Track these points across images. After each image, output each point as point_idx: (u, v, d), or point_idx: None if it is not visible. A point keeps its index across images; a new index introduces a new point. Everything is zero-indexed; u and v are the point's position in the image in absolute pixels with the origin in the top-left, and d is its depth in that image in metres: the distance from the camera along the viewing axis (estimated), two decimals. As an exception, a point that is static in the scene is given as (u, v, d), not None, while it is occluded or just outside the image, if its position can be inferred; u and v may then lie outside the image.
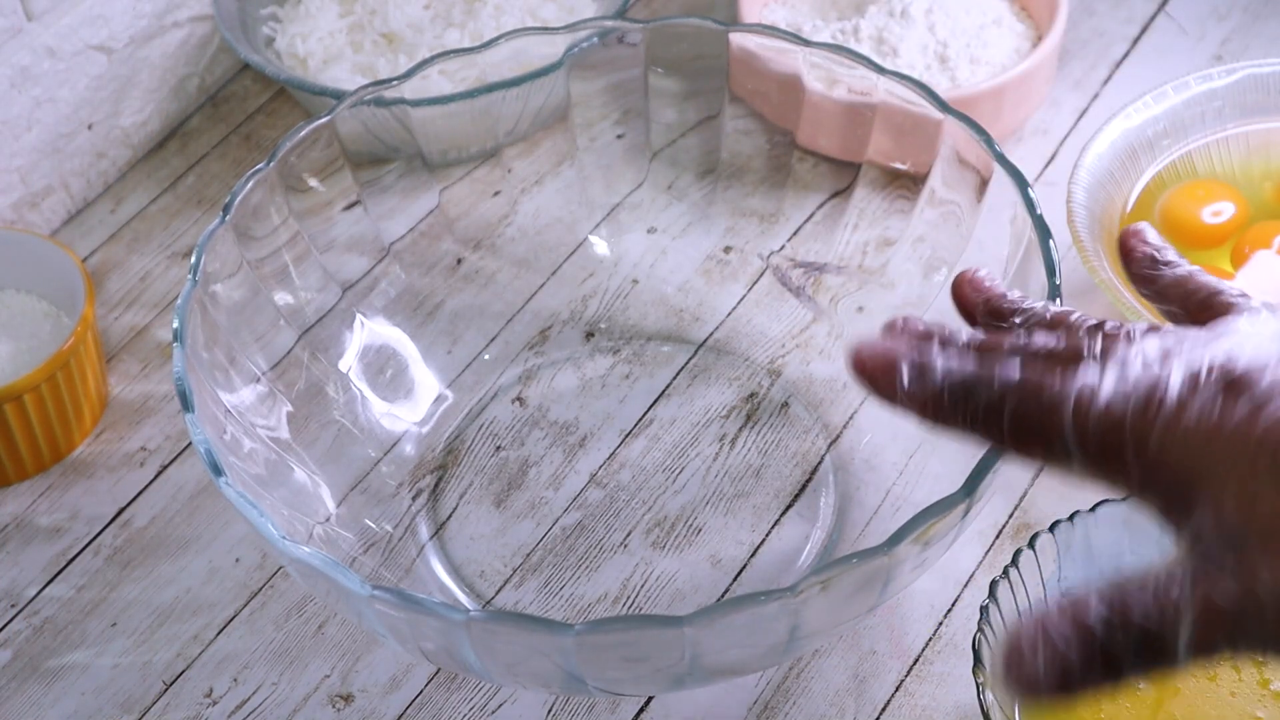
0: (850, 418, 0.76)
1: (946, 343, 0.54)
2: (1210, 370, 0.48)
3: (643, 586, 0.72)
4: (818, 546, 0.72)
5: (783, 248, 0.82)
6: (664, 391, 0.79)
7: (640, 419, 0.78)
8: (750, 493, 0.75)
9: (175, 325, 0.65)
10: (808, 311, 0.80)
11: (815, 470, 0.75)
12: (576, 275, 0.83)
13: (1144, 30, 0.95)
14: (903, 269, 0.77)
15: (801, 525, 0.73)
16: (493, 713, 0.69)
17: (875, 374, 0.53)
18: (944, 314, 0.74)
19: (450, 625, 0.56)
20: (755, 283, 0.82)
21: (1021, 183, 0.67)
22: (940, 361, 0.52)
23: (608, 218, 0.83)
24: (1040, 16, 0.90)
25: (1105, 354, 0.50)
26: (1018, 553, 0.65)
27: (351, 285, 0.78)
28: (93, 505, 0.77)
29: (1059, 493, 0.74)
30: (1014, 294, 0.59)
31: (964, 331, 0.55)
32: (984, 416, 0.51)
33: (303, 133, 0.72)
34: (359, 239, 0.78)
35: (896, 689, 0.68)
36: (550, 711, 0.68)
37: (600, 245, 0.83)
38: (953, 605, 0.71)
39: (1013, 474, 0.74)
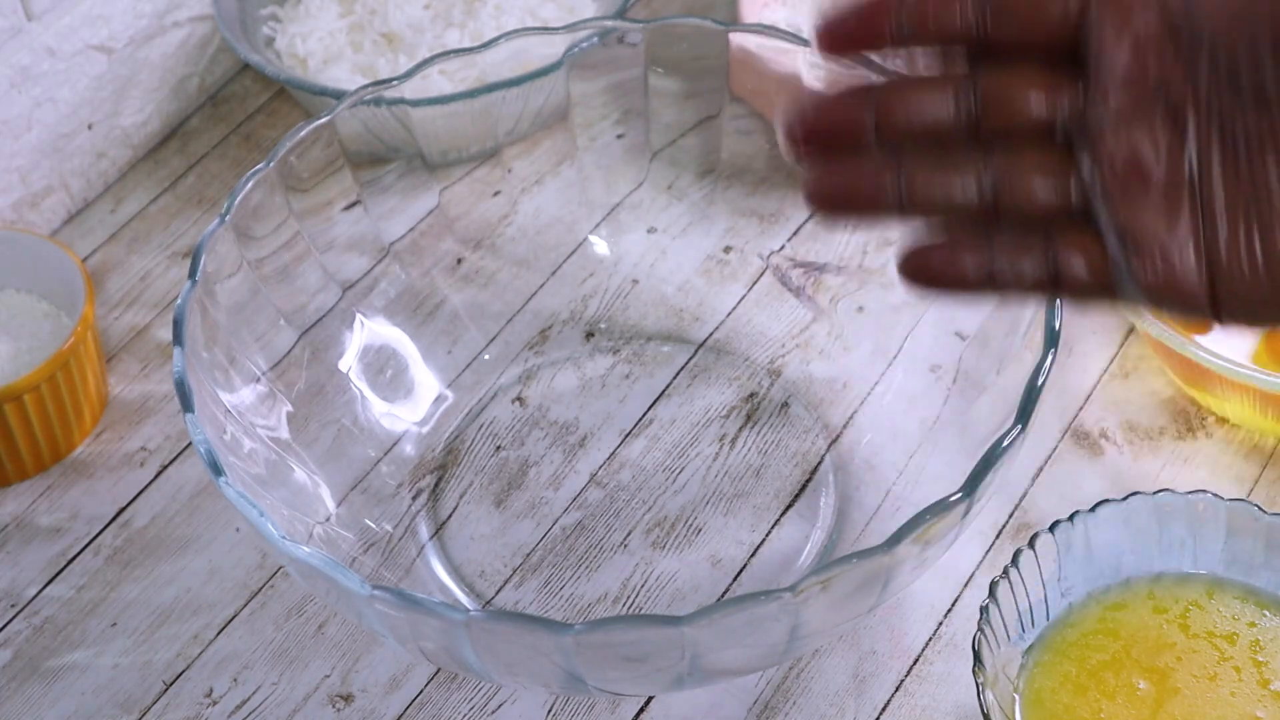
0: (850, 418, 0.77)
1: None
2: None
3: (643, 586, 0.72)
4: (818, 546, 0.72)
5: (783, 248, 0.82)
6: (664, 391, 0.79)
7: (640, 419, 0.78)
8: (750, 493, 0.75)
9: (175, 325, 0.65)
10: (808, 311, 0.80)
11: (815, 470, 0.75)
12: (576, 275, 0.83)
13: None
14: (903, 269, 0.77)
15: (801, 525, 0.73)
16: (493, 713, 0.69)
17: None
18: (943, 314, 0.75)
19: (450, 625, 0.56)
20: (755, 283, 0.82)
21: (1021, 183, 0.66)
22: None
23: (608, 218, 0.83)
24: (1040, 16, 0.90)
25: None
26: (1018, 553, 0.65)
27: (351, 285, 0.78)
28: (93, 505, 0.77)
29: (1059, 493, 0.74)
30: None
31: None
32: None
33: (303, 133, 0.72)
34: (359, 239, 0.78)
35: (896, 689, 0.68)
36: (550, 711, 0.68)
37: (600, 245, 0.83)
38: (953, 605, 0.71)
39: (1013, 474, 0.74)
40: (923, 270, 0.50)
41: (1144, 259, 0.46)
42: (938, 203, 0.49)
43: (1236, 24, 0.45)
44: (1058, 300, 0.57)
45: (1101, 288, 0.48)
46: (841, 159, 0.50)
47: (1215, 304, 0.46)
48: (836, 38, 0.49)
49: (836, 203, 0.50)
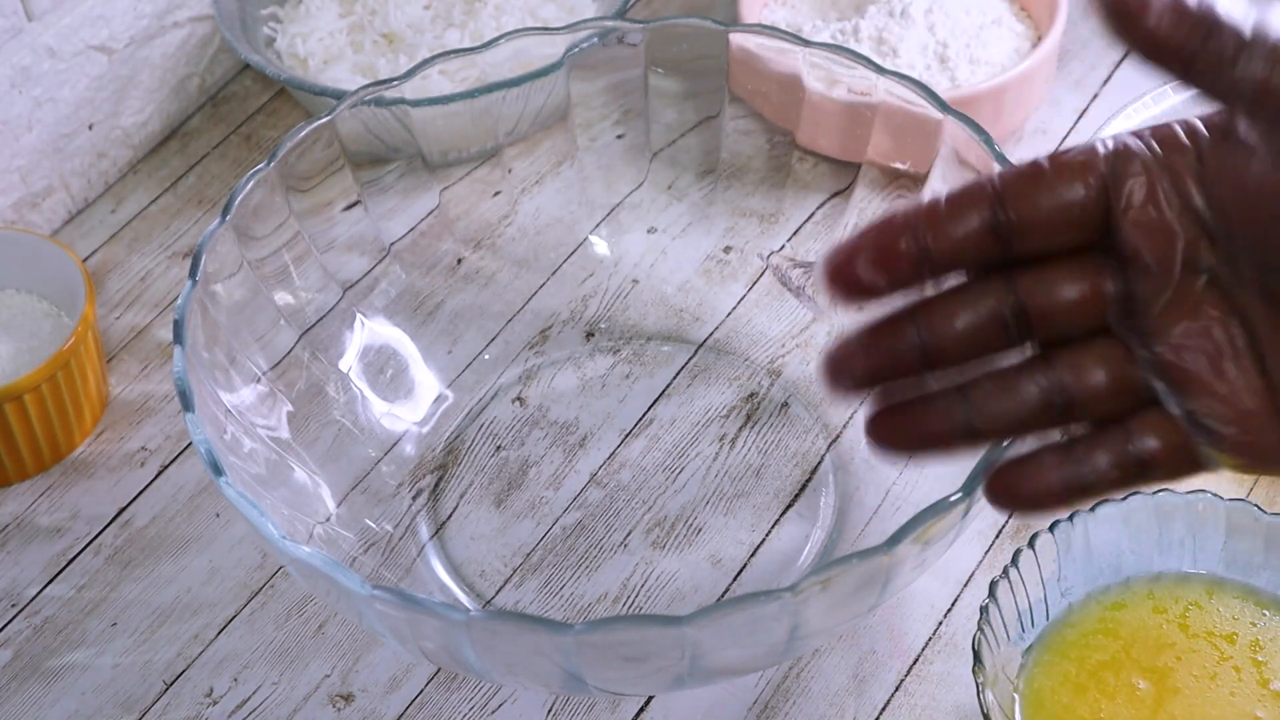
0: (850, 418, 0.77)
1: None
2: None
3: (643, 586, 0.72)
4: (818, 546, 0.72)
5: (783, 248, 0.82)
6: (664, 391, 0.79)
7: (640, 419, 0.78)
8: (750, 493, 0.75)
9: (175, 325, 0.65)
10: (808, 311, 0.80)
11: (815, 470, 0.75)
12: (576, 275, 0.83)
13: (1144, 30, 0.95)
14: (903, 269, 0.77)
15: (801, 525, 0.73)
16: (493, 713, 0.69)
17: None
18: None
19: (450, 625, 0.56)
20: (755, 283, 0.82)
21: (1021, 183, 0.66)
22: None
23: (608, 218, 0.83)
24: (1040, 16, 0.90)
25: None
26: (1018, 553, 0.65)
27: (351, 285, 0.78)
28: (93, 505, 0.77)
29: (1059, 493, 0.74)
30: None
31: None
32: None
33: (303, 133, 0.72)
34: (359, 239, 0.78)
35: (896, 689, 0.68)
36: (550, 711, 0.68)
37: (600, 245, 0.83)
38: (953, 605, 0.71)
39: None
40: (1013, 496, 0.50)
41: (1221, 435, 0.46)
42: (1010, 425, 0.49)
43: (1257, 211, 0.44)
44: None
45: (1189, 464, 0.48)
46: (900, 398, 0.49)
47: None
48: (849, 284, 0.48)
49: (907, 443, 0.50)
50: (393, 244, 0.80)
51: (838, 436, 0.76)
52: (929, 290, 0.49)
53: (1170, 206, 0.46)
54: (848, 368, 0.49)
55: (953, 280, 0.49)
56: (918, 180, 0.74)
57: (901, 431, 0.50)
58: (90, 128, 0.89)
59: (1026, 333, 0.49)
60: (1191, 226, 0.46)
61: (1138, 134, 0.47)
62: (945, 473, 0.67)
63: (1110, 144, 0.47)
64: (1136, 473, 0.48)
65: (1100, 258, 0.48)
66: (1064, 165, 0.47)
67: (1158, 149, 0.46)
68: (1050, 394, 0.49)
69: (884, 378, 0.50)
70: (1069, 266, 0.48)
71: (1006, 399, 0.49)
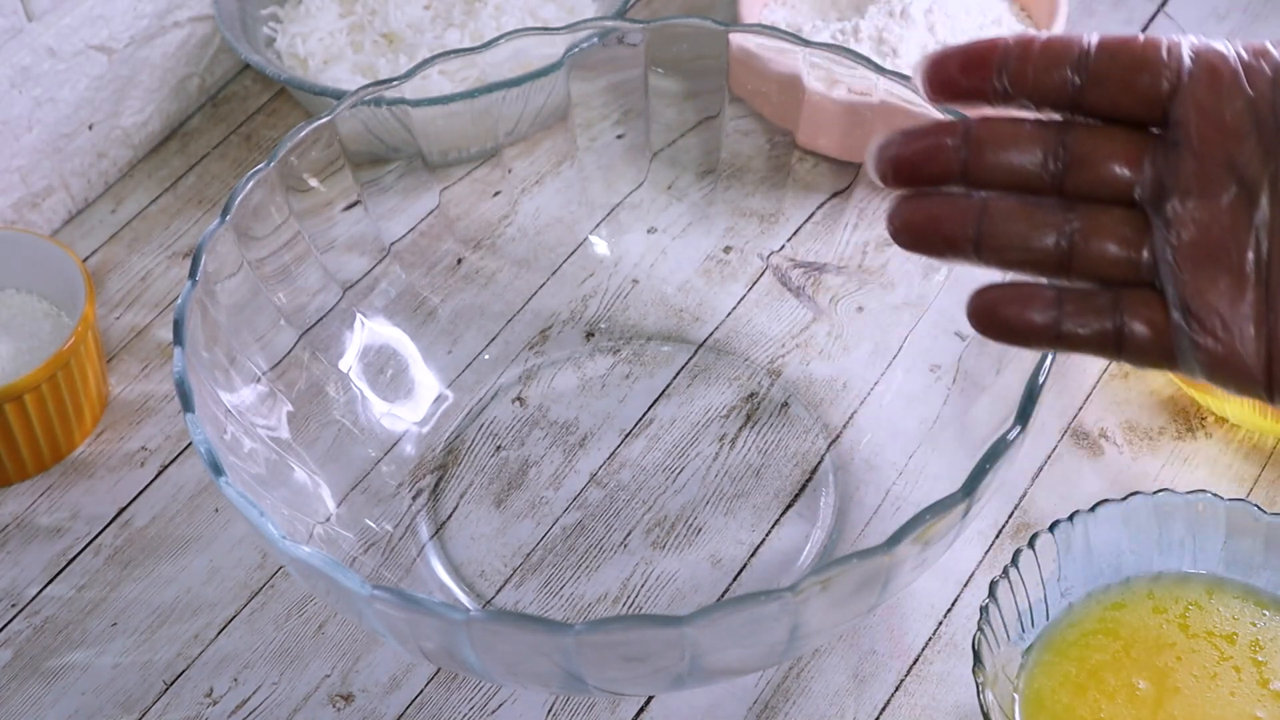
0: (850, 418, 0.77)
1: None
2: None
3: (643, 586, 0.72)
4: (818, 546, 0.72)
5: (783, 248, 0.82)
6: (664, 391, 0.79)
7: (640, 419, 0.78)
8: (750, 493, 0.75)
9: (175, 325, 0.65)
10: (808, 311, 0.80)
11: (815, 470, 0.75)
12: (576, 275, 0.83)
13: (1144, 30, 0.95)
14: (903, 269, 0.77)
15: (801, 525, 0.73)
16: (493, 713, 0.69)
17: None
18: (943, 314, 0.75)
19: (450, 625, 0.56)
20: (755, 283, 0.82)
21: (1021, 183, 0.66)
22: None
23: (608, 218, 0.83)
24: (1040, 16, 0.90)
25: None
26: (1018, 553, 0.65)
27: (351, 285, 0.78)
28: (93, 505, 0.77)
29: (1059, 493, 0.74)
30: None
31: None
32: None
33: (303, 133, 0.72)
34: (359, 239, 0.78)
35: (896, 689, 0.68)
36: (550, 711, 0.68)
37: (600, 245, 0.83)
38: (953, 605, 0.71)
39: (1013, 474, 0.74)
40: (991, 317, 0.51)
41: (1205, 333, 0.48)
42: (1014, 252, 0.51)
43: None
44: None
45: (1162, 354, 0.49)
46: (928, 193, 0.52)
47: (1271, 385, 0.47)
48: (940, 85, 0.51)
49: (917, 236, 0.52)
50: (393, 244, 0.80)
51: (838, 436, 0.76)
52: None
53: (1231, 100, 0.48)
54: (890, 151, 0.52)
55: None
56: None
57: (916, 220, 0.52)
58: (90, 128, 0.89)
59: (1059, 180, 0.50)
60: (1247, 126, 0.47)
61: (1228, 40, 0.49)
62: (945, 473, 0.67)
63: (1199, 40, 0.49)
64: (1113, 343, 0.50)
65: (1153, 138, 0.49)
66: (1153, 44, 0.49)
67: (1243, 53, 0.48)
68: (1060, 235, 0.50)
69: (919, 172, 0.52)
70: (1122, 133, 0.50)
71: (1019, 224, 0.50)
